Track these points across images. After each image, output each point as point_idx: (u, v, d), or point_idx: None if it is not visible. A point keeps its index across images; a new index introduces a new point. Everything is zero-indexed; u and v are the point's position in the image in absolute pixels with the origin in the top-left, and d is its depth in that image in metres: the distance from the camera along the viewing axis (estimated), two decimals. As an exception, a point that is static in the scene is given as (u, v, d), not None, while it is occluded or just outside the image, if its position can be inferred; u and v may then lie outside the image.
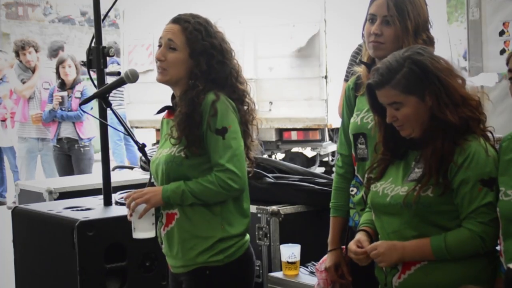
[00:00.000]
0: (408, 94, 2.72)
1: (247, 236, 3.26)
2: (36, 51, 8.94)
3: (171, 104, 3.30)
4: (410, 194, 2.72)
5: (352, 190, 3.27)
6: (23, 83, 8.90)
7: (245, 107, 3.23)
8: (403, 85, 2.71)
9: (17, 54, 8.92)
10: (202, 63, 3.15)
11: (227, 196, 3.13)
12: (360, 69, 3.25)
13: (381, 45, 3.07)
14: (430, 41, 3.08)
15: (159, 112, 3.34)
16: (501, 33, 5.97)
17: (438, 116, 2.71)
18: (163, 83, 3.23)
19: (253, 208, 4.32)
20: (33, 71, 8.92)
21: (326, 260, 3.31)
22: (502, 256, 2.66)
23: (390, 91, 2.73)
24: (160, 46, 3.22)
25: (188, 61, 3.17)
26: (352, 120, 3.22)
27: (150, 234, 3.19)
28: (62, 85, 8.36)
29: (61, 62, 8.32)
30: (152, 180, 3.35)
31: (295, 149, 10.87)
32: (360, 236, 2.88)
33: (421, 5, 3.10)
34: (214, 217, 3.16)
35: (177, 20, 3.22)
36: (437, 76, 2.71)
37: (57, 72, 8.37)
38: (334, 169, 3.50)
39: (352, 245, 2.86)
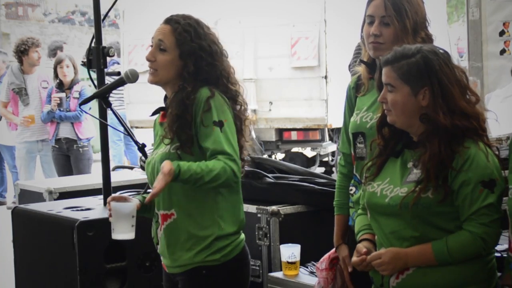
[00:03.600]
0: (404, 82, 2.74)
1: (242, 235, 3.27)
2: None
3: (164, 105, 3.30)
4: (409, 196, 2.72)
5: (351, 189, 3.28)
6: (15, 92, 8.81)
7: (238, 107, 3.24)
8: (403, 72, 2.74)
9: (21, 53, 8.79)
10: (190, 65, 3.16)
11: (228, 185, 3.11)
12: (361, 69, 3.25)
13: (381, 46, 3.07)
14: (429, 39, 3.08)
15: (154, 113, 3.34)
16: (501, 33, 5.97)
17: (431, 117, 2.72)
18: (154, 84, 3.24)
19: (253, 208, 4.32)
20: (26, 72, 8.82)
21: (338, 253, 3.31)
22: None
23: (391, 72, 2.76)
24: (152, 46, 3.23)
25: (177, 62, 3.18)
26: (352, 119, 3.23)
27: (129, 236, 3.14)
28: (60, 85, 8.35)
29: (59, 62, 8.29)
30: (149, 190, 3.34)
31: (295, 149, 10.87)
32: (359, 245, 2.87)
33: (418, 3, 3.10)
34: (211, 216, 3.16)
35: (168, 20, 3.24)
36: (439, 79, 2.72)
37: (55, 72, 8.35)
38: (334, 168, 3.51)
39: (353, 258, 2.86)
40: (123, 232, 3.13)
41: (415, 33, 3.05)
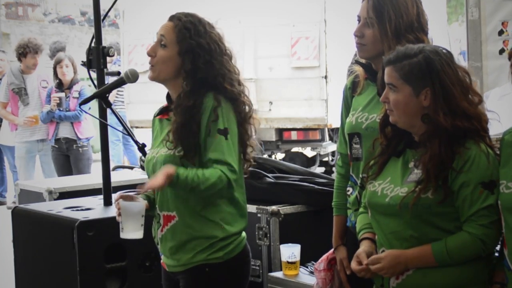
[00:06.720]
0: (405, 82, 2.74)
1: (244, 234, 3.27)
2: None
3: (167, 104, 3.30)
4: (409, 196, 2.72)
5: (348, 190, 3.28)
6: (15, 92, 8.81)
7: (239, 107, 3.22)
8: (405, 72, 2.74)
9: (20, 55, 8.80)
10: (187, 62, 3.16)
11: (221, 194, 3.13)
12: (359, 68, 3.26)
13: (363, 47, 3.11)
14: (419, 42, 3.05)
15: (158, 114, 3.33)
16: (500, 32, 5.96)
17: (431, 117, 2.72)
18: (153, 80, 3.23)
19: (253, 208, 4.33)
20: (25, 73, 8.81)
21: (336, 255, 3.31)
22: (506, 249, 2.66)
23: (393, 72, 2.77)
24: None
25: (176, 59, 3.18)
26: (347, 119, 3.24)
27: (138, 235, 3.14)
28: (60, 85, 8.35)
29: (58, 62, 8.30)
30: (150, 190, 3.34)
31: (295, 149, 10.88)
32: (359, 250, 2.87)
33: (407, 6, 3.07)
34: (214, 218, 3.16)
35: (172, 17, 3.25)
36: (441, 80, 2.72)
37: (55, 72, 8.35)
38: (334, 168, 3.51)
39: (353, 264, 2.86)
40: (132, 231, 3.12)
41: (399, 36, 3.04)
